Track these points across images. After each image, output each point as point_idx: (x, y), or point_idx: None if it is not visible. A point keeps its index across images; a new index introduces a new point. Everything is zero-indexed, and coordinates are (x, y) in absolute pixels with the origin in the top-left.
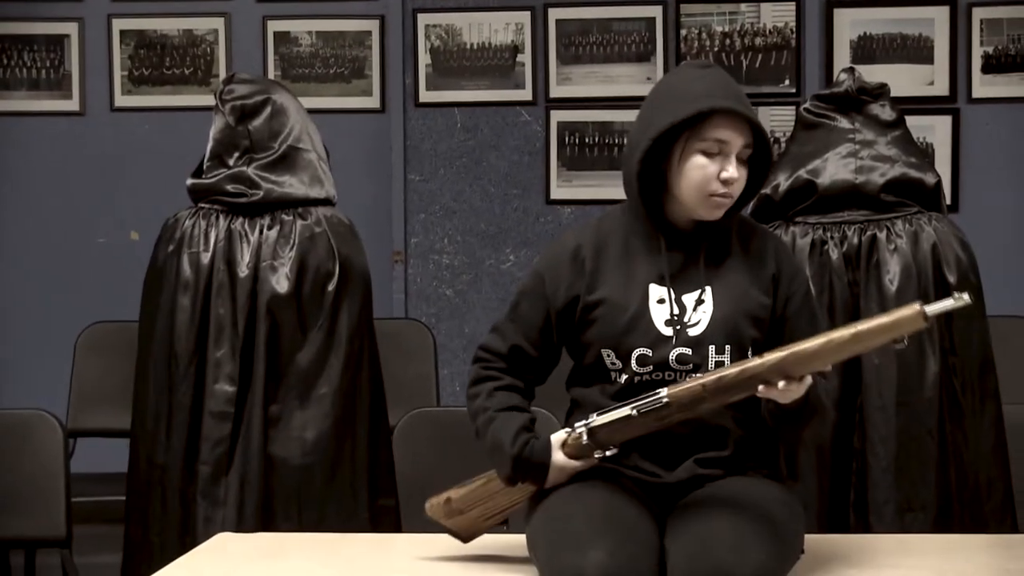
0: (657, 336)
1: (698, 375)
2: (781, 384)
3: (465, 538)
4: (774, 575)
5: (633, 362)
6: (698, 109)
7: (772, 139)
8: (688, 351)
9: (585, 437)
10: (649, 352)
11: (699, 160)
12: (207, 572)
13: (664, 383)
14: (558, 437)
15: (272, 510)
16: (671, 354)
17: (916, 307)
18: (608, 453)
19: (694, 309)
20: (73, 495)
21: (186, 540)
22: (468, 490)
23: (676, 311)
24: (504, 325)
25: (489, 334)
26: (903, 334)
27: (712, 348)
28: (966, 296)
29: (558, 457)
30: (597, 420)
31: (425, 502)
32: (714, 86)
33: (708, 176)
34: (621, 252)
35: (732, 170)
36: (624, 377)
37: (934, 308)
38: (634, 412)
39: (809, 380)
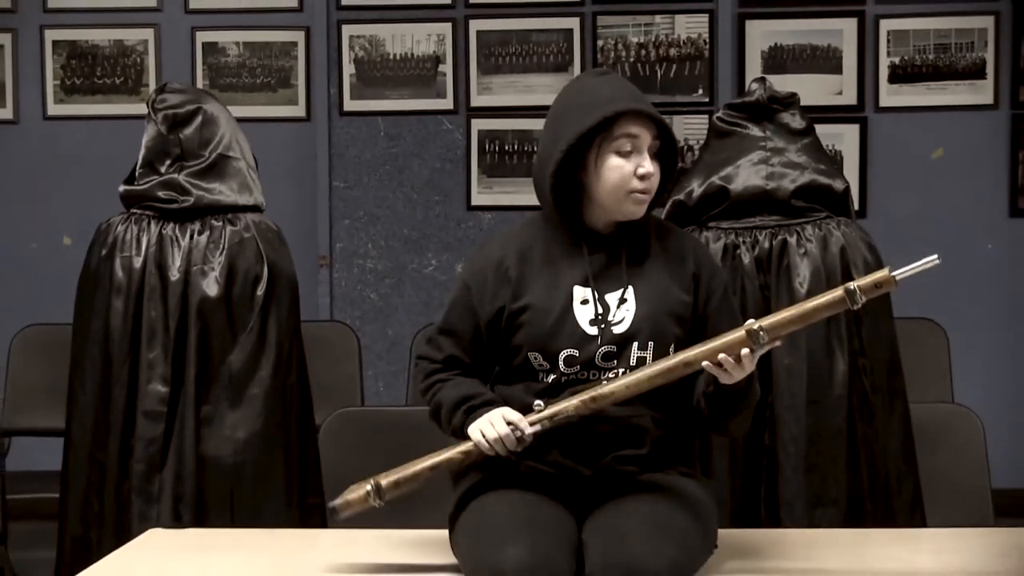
0: (582, 336)
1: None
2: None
3: (337, 510)
4: (687, 569)
5: (561, 363)
6: (605, 114)
7: (686, 147)
8: (613, 348)
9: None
10: (576, 352)
11: (615, 161)
12: (138, 567)
13: (588, 381)
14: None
15: (206, 507)
16: (597, 352)
17: (886, 271)
18: (529, 435)
19: (617, 308)
20: (8, 493)
21: (121, 536)
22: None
23: (600, 310)
24: (437, 337)
25: (425, 345)
26: (869, 297)
27: (636, 344)
28: (935, 257)
29: (507, 409)
30: (535, 417)
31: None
32: (616, 91)
33: (626, 175)
34: (543, 258)
35: (648, 165)
36: (552, 377)
37: (904, 271)
38: (574, 407)
39: (755, 354)
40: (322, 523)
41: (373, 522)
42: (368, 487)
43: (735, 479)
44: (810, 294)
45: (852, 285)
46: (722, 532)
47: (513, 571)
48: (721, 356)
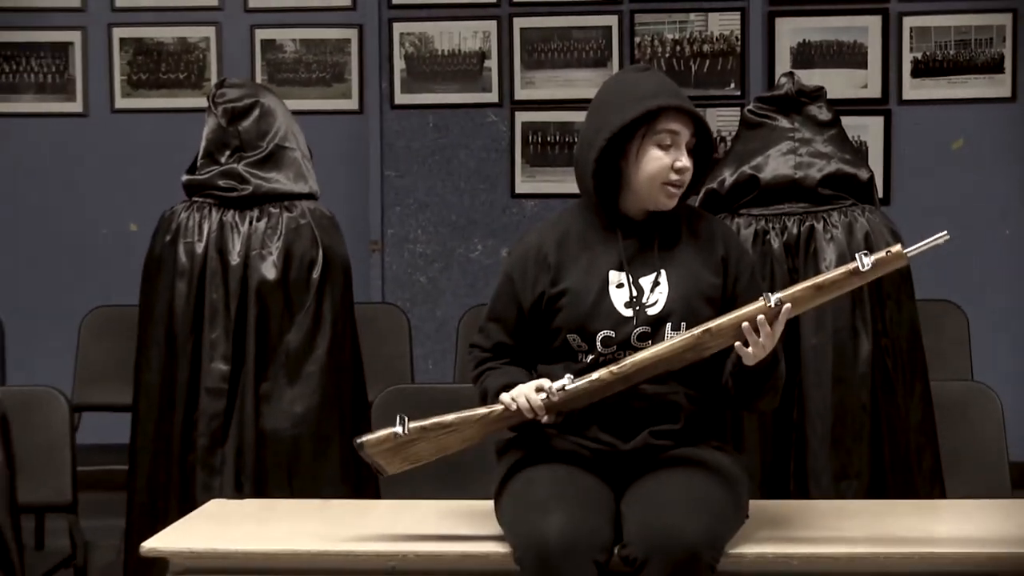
0: (618, 317)
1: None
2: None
3: (364, 447)
4: (720, 537)
5: (598, 343)
6: (649, 107)
7: (718, 138)
8: (648, 329)
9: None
10: (612, 333)
11: (655, 153)
12: (202, 534)
13: (612, 363)
14: None
15: (265, 479)
16: (632, 333)
17: (898, 247)
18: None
19: (651, 291)
20: (79, 464)
21: (186, 506)
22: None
23: (635, 293)
24: (486, 325)
25: (477, 333)
26: (888, 271)
27: (669, 325)
28: (945, 233)
29: (537, 380)
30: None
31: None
32: (659, 87)
33: (664, 167)
34: (580, 244)
35: (684, 159)
36: (590, 357)
37: (915, 248)
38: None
39: (775, 329)
40: (375, 494)
41: (423, 493)
42: (396, 428)
43: (765, 453)
44: None
45: (865, 258)
46: (753, 503)
47: (555, 539)
48: (744, 325)
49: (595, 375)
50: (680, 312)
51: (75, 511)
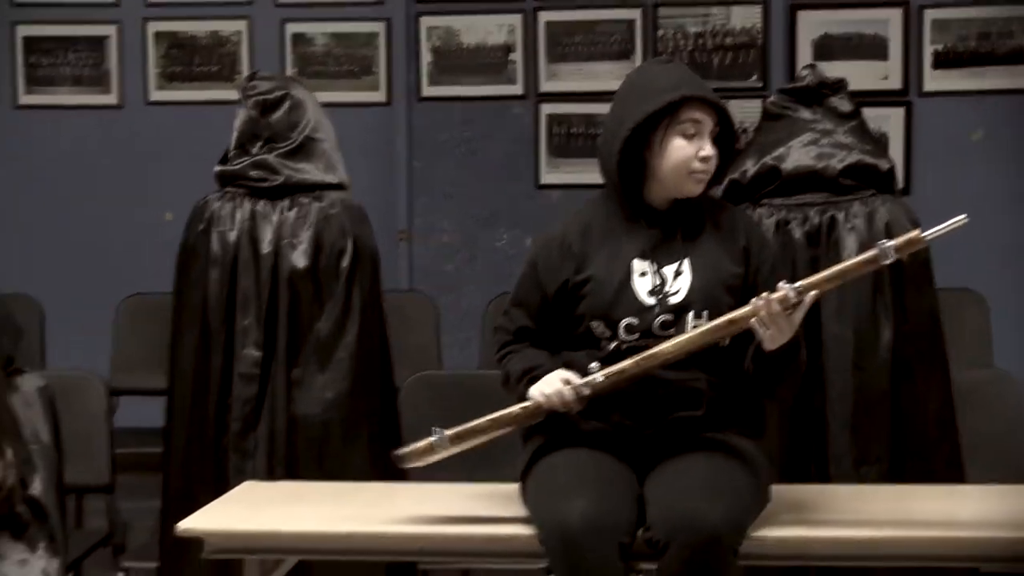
0: (641, 306)
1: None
2: (763, 300)
3: (403, 458)
4: (742, 521)
5: (621, 330)
6: (673, 98)
7: (740, 129)
8: (670, 317)
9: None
10: (635, 321)
11: (679, 142)
12: (235, 515)
13: (647, 348)
14: None
15: (296, 462)
16: (655, 321)
17: (917, 232)
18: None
19: (674, 280)
20: (116, 447)
21: (219, 488)
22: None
23: (658, 282)
24: (510, 310)
25: (501, 317)
26: (905, 254)
27: (691, 314)
28: (964, 217)
29: (564, 371)
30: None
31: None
32: (681, 78)
33: (688, 156)
34: (604, 233)
35: (708, 148)
36: (613, 344)
37: (934, 231)
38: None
39: (795, 316)
40: (403, 477)
41: (450, 476)
42: (432, 439)
43: (786, 438)
44: None
45: (885, 242)
46: (774, 487)
47: (579, 522)
48: (761, 313)
49: (622, 365)
50: (702, 301)
51: (113, 492)
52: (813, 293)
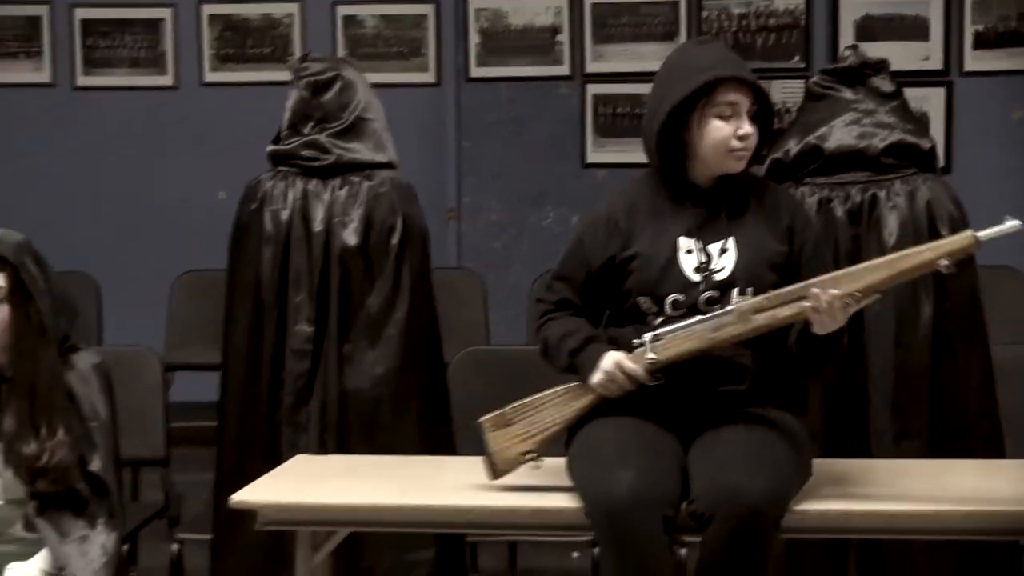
0: (687, 282)
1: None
2: (823, 296)
3: (497, 472)
4: (784, 495)
5: (667, 306)
6: (707, 79)
7: (783, 109)
8: (716, 293)
9: (649, 347)
10: (682, 297)
11: (716, 123)
12: (287, 488)
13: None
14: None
15: (347, 436)
16: (700, 297)
17: (969, 233)
18: (659, 377)
19: (719, 257)
20: (171, 421)
21: (272, 462)
22: (521, 403)
23: (703, 259)
24: (553, 283)
25: (543, 290)
26: (955, 258)
27: (735, 291)
28: (1017, 222)
29: (617, 354)
30: (661, 330)
31: (476, 427)
32: (717, 58)
33: (726, 135)
34: (650, 211)
35: (746, 127)
36: (659, 320)
37: (986, 233)
38: (696, 321)
39: (849, 310)
40: (451, 451)
41: None
42: (524, 455)
43: (828, 413)
44: (898, 245)
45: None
46: (816, 462)
47: (624, 495)
48: (823, 306)
49: (682, 343)
50: (746, 278)
51: (168, 465)
52: (878, 296)
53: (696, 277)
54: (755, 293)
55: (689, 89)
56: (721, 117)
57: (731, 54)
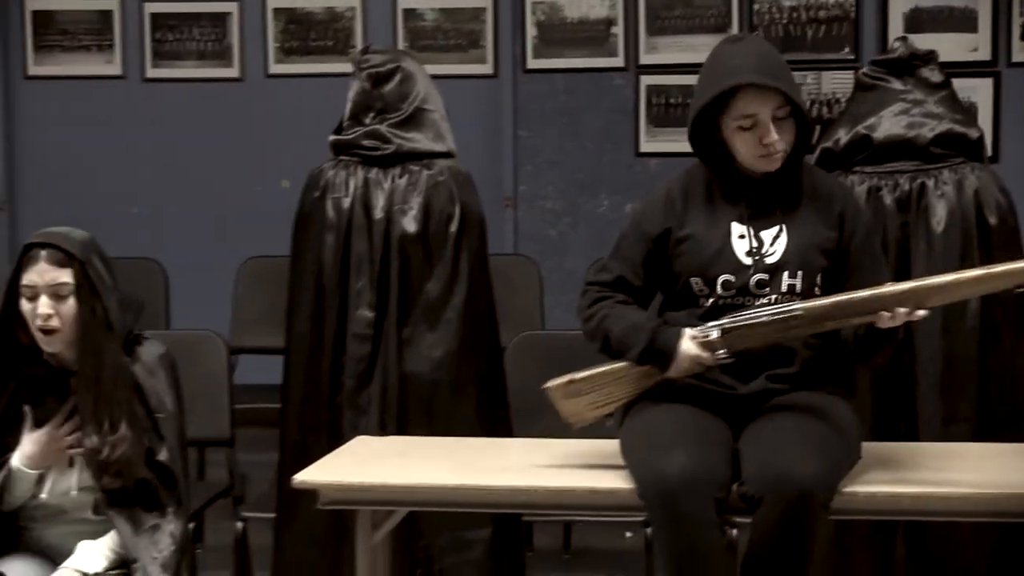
0: (739, 264)
1: (828, 297)
2: (901, 310)
3: (572, 421)
4: (833, 477)
5: (719, 287)
6: (725, 87)
7: (833, 100)
8: (766, 276)
9: (716, 333)
10: (732, 278)
11: (739, 134)
12: (347, 468)
13: (743, 307)
14: (689, 331)
15: (407, 418)
16: (751, 279)
17: None
18: (723, 357)
19: (771, 244)
20: (236, 403)
21: (334, 443)
22: (591, 373)
23: (755, 244)
24: (608, 262)
25: (596, 272)
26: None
27: (785, 274)
28: None
29: (688, 343)
30: (728, 323)
31: (536, 405)
32: (743, 62)
33: (750, 144)
34: (705, 197)
35: (771, 134)
36: (710, 301)
37: None
38: (767, 317)
39: (920, 314)
40: (508, 433)
41: (553, 433)
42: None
43: (876, 398)
44: (945, 232)
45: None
46: (865, 445)
47: (676, 476)
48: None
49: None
50: (796, 262)
51: (232, 446)
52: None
53: (747, 260)
54: (804, 277)
55: (710, 96)
56: (742, 128)
57: (762, 54)
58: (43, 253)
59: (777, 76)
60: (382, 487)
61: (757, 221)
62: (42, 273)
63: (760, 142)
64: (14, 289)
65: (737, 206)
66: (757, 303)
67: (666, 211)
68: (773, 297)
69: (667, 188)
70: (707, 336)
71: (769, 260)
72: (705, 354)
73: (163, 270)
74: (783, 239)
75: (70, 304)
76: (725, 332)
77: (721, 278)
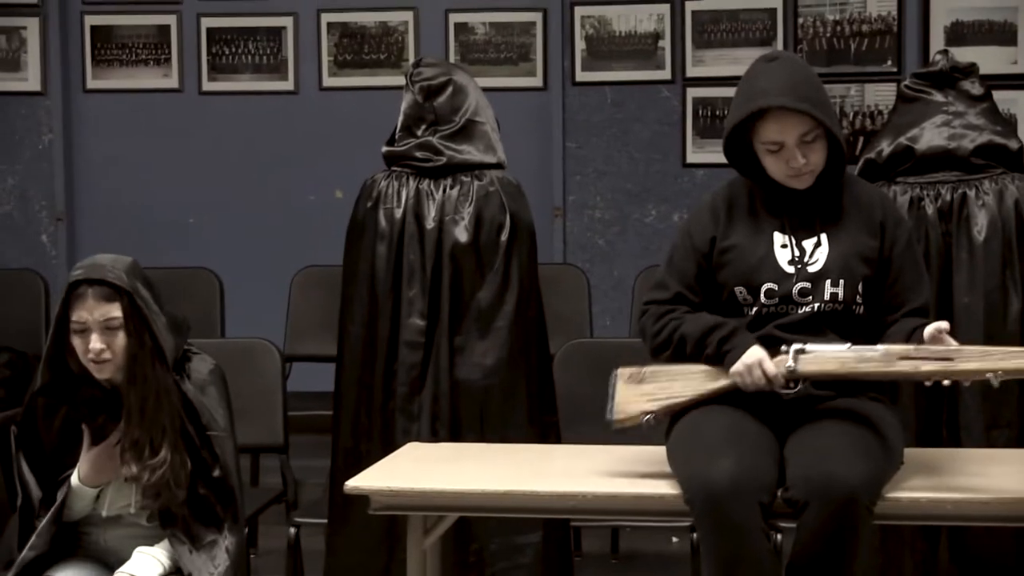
0: (782, 273)
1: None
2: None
3: (615, 421)
4: (878, 483)
5: (762, 295)
6: (750, 110)
7: (875, 112)
8: (808, 285)
9: (792, 356)
10: (775, 287)
11: (768, 155)
12: (401, 473)
13: (786, 315)
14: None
15: (459, 424)
16: (794, 288)
17: None
18: (792, 386)
19: (812, 253)
20: (289, 409)
21: (386, 449)
22: (661, 367)
23: (797, 254)
24: (664, 279)
25: (652, 291)
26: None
27: (828, 282)
28: None
29: (761, 351)
30: (807, 347)
31: (584, 412)
32: (772, 83)
33: (778, 166)
34: (748, 207)
35: (796, 160)
36: (754, 309)
37: None
38: (846, 348)
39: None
40: (557, 440)
41: (601, 439)
42: (644, 414)
43: (919, 404)
44: (987, 241)
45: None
46: (908, 451)
47: (723, 482)
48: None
49: (824, 369)
50: (838, 270)
51: (286, 452)
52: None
53: (790, 269)
54: (846, 285)
55: (739, 117)
56: (770, 151)
57: (793, 73)
58: (90, 291)
59: (806, 98)
60: (433, 493)
61: (798, 231)
62: (91, 310)
63: (788, 164)
64: (63, 325)
65: (779, 216)
66: (800, 311)
67: (712, 220)
68: (816, 306)
69: (712, 199)
70: (783, 355)
71: (812, 269)
72: (772, 367)
73: (218, 279)
74: (824, 248)
75: (120, 336)
76: (799, 352)
77: (765, 287)
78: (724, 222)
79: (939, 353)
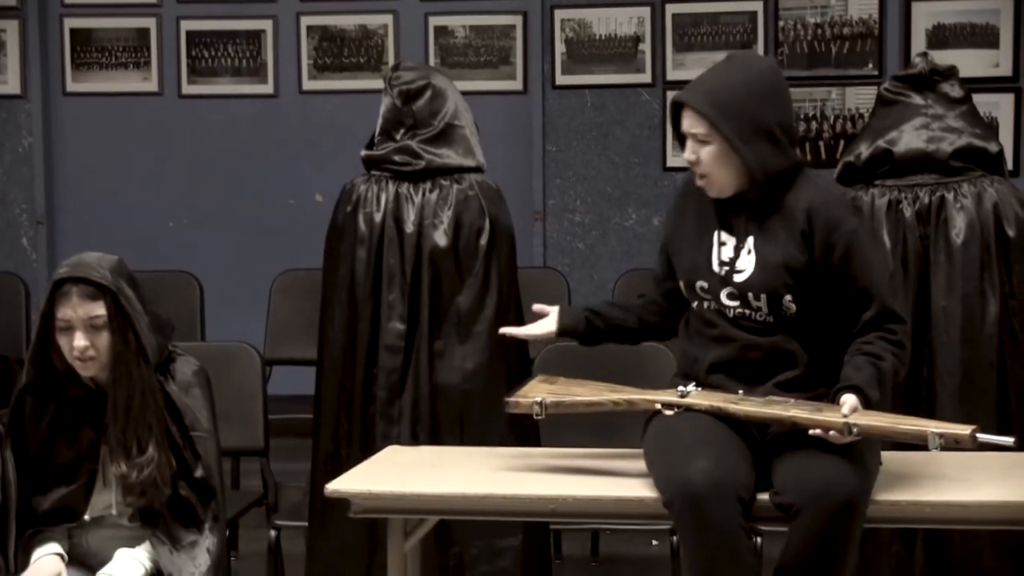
0: (712, 273)
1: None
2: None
3: (508, 404)
4: (869, 484)
5: (698, 291)
6: (671, 103)
7: (856, 115)
8: (735, 291)
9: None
10: (706, 285)
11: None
12: (379, 477)
13: (722, 315)
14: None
15: (439, 428)
16: (721, 292)
17: (969, 431)
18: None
19: (740, 260)
20: (270, 413)
21: (366, 452)
22: (577, 379)
23: (731, 255)
24: (649, 284)
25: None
26: (952, 443)
27: (751, 294)
28: (1010, 440)
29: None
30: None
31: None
32: (699, 79)
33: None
34: (700, 206)
35: (687, 153)
36: (695, 304)
37: (984, 438)
38: (717, 401)
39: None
40: (537, 443)
41: (580, 442)
42: (537, 401)
43: (896, 407)
44: (965, 245)
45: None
46: (886, 454)
47: (701, 481)
48: (815, 431)
49: (701, 403)
50: (760, 284)
51: (267, 455)
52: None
53: (721, 271)
54: (768, 300)
55: (671, 112)
56: (683, 144)
57: (720, 75)
58: (75, 289)
59: (715, 102)
60: (413, 496)
61: (733, 235)
62: (75, 308)
63: (688, 160)
64: (48, 322)
65: (719, 217)
66: (732, 314)
67: (673, 215)
68: (746, 312)
69: (677, 198)
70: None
71: (737, 278)
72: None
73: (199, 283)
74: (751, 257)
75: (105, 335)
76: (685, 394)
77: (698, 284)
78: (679, 216)
79: (813, 412)
